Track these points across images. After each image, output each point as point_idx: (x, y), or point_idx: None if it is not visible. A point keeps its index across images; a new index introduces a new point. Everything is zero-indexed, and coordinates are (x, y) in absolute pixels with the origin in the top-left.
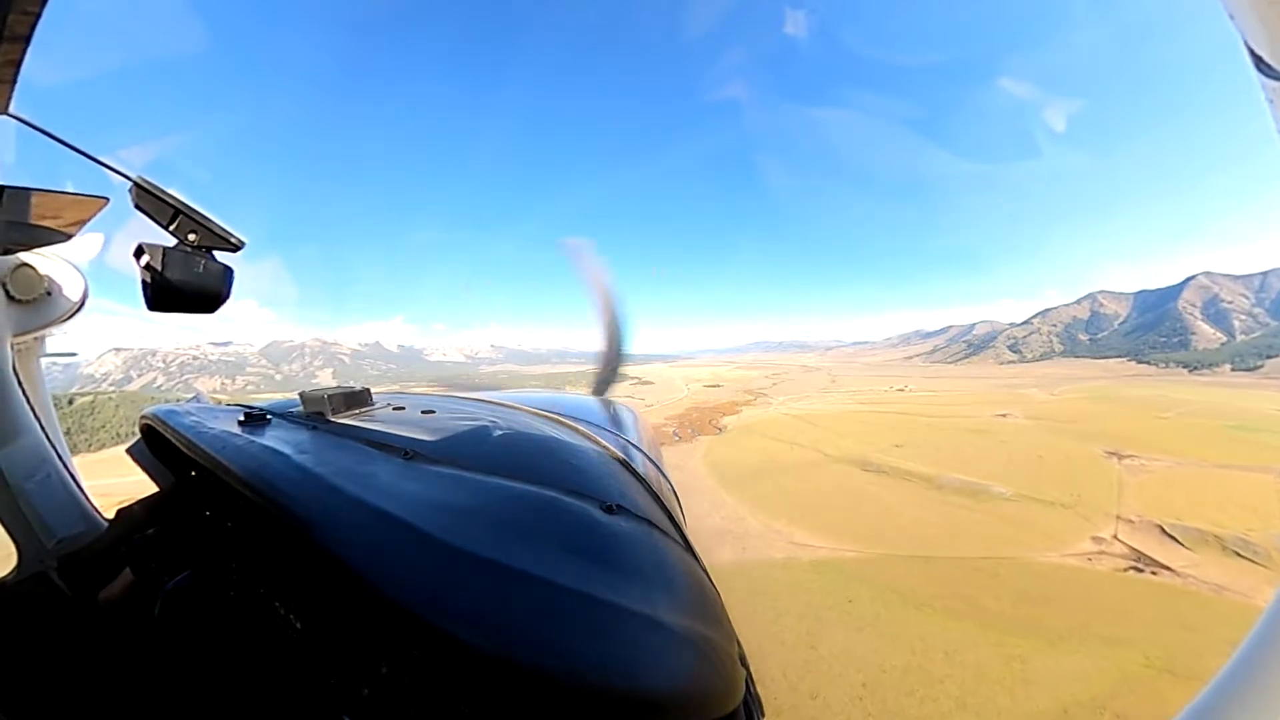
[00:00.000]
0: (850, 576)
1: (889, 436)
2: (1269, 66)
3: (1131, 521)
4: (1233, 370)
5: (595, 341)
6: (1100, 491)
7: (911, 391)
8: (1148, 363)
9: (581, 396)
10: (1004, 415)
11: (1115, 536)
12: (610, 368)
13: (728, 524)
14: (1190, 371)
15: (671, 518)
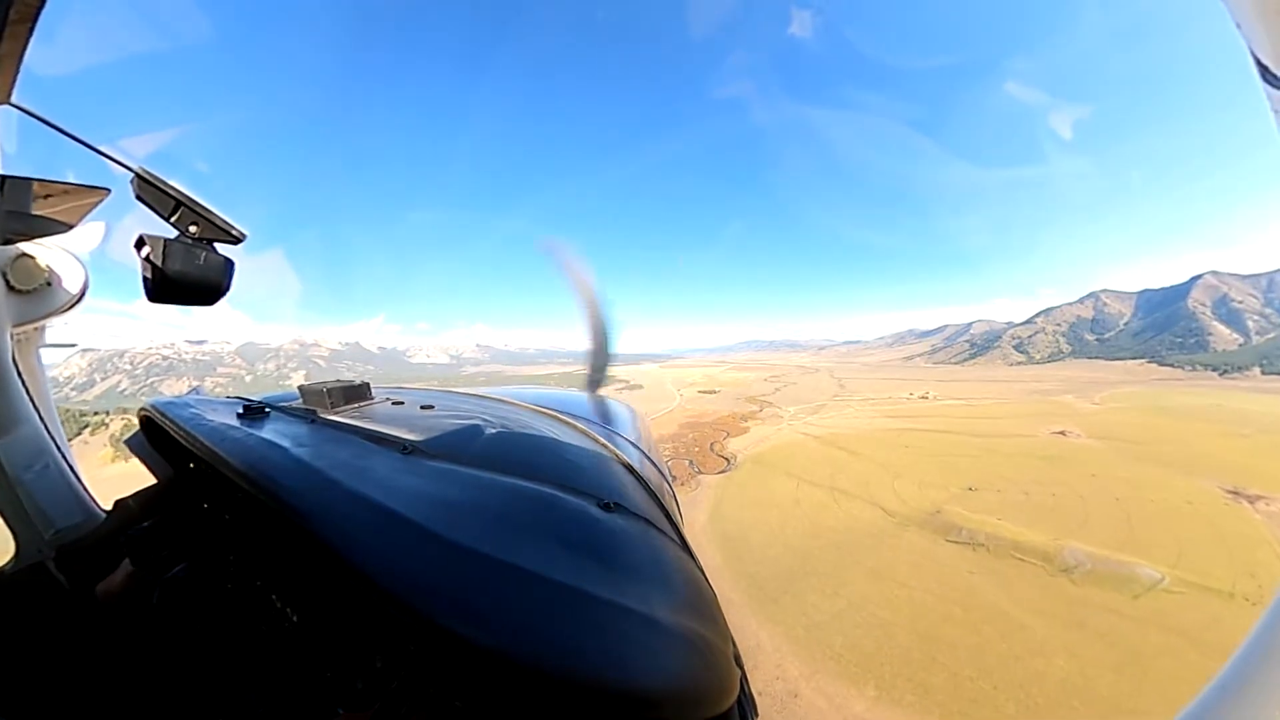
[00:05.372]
0: None
1: (951, 472)
2: (1275, 76)
3: None
4: (1263, 374)
5: (583, 340)
6: (1272, 563)
7: (936, 400)
8: (1170, 365)
9: (580, 394)
10: (1062, 433)
11: None
12: (600, 365)
13: (767, 712)
14: (1220, 375)
15: (669, 516)
